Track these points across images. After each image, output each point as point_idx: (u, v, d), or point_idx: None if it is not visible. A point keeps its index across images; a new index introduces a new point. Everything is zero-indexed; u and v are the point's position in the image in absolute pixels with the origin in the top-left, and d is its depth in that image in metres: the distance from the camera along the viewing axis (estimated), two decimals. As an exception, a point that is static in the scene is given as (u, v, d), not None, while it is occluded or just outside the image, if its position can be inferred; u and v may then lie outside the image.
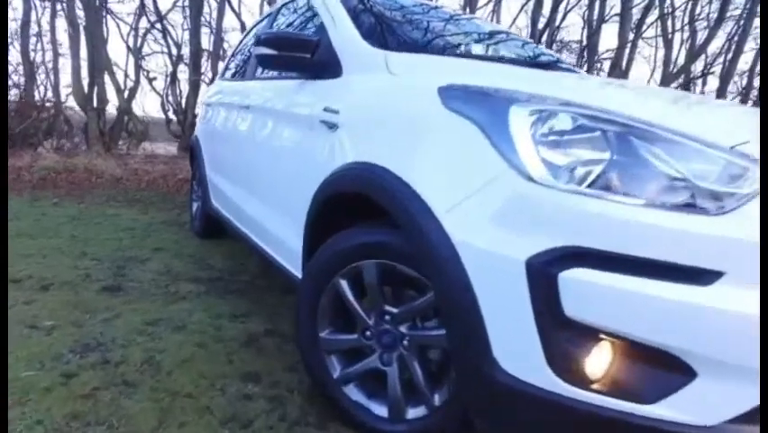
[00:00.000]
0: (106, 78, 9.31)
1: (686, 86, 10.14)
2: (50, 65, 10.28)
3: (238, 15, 9.51)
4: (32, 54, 9.92)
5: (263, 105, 2.19)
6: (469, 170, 1.03)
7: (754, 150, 0.92)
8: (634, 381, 0.90)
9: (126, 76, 10.66)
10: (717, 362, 0.86)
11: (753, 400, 0.86)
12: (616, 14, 10.68)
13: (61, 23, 9.46)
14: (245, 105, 2.41)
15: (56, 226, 3.63)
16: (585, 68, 10.45)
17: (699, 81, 11.71)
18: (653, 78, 11.89)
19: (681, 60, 10.79)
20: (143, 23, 10.40)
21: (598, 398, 0.90)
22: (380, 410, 1.34)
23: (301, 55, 1.69)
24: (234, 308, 2.27)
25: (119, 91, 9.61)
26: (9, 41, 9.75)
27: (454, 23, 2.22)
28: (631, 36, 10.00)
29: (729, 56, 9.94)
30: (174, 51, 10.05)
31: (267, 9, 10.40)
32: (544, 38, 9.80)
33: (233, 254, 3.18)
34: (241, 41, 3.43)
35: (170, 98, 10.51)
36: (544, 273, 0.89)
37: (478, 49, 2.18)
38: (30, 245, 3.06)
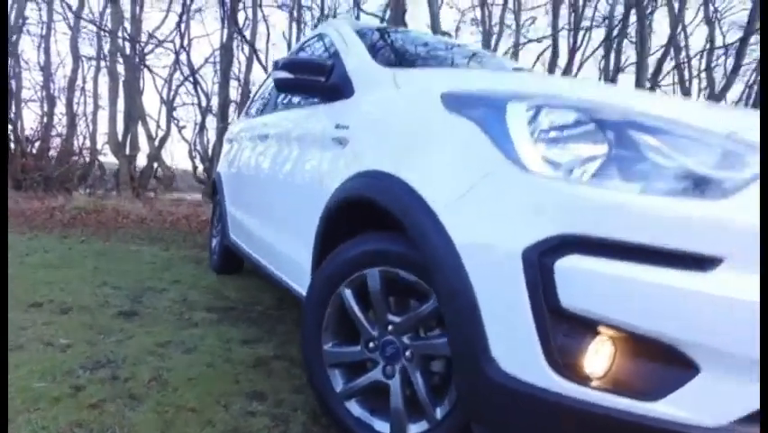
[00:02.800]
0: (140, 127, 9.83)
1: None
2: (89, 116, 10.91)
3: (265, 68, 10.04)
4: (75, 106, 10.61)
5: (280, 133, 2.29)
6: (468, 167, 1.06)
7: (752, 136, 0.92)
8: (634, 376, 0.87)
9: (158, 125, 11.23)
10: (720, 354, 0.83)
11: (756, 398, 0.82)
12: (632, 63, 10.92)
13: (103, 78, 10.13)
14: (264, 135, 2.52)
15: (81, 259, 3.74)
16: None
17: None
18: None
19: (701, 107, 10.80)
20: (177, 76, 11.07)
21: (598, 395, 0.87)
22: (382, 426, 1.30)
23: (316, 78, 1.78)
24: (246, 335, 2.28)
25: (150, 139, 10.10)
26: (56, 94, 10.45)
27: (456, 49, 2.33)
28: (648, 84, 10.13)
29: (750, 102, 9.94)
30: (203, 102, 10.60)
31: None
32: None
33: (248, 287, 3.21)
34: (263, 83, 3.63)
35: (198, 146, 10.99)
36: (539, 263, 0.89)
37: (476, 65, 2.28)
38: (54, 274, 3.16)
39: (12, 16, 10.18)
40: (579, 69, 10.12)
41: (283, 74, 1.78)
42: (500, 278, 0.94)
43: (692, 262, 0.84)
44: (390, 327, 1.30)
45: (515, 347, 0.94)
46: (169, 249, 4.59)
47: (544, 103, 1.02)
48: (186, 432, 1.37)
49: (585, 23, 10.07)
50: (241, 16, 10.08)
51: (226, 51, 9.86)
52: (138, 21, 9.93)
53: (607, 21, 10.26)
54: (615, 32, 10.44)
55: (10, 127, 8.97)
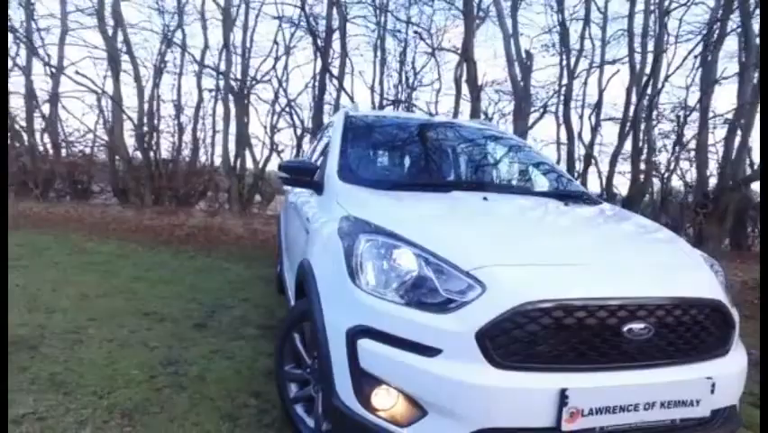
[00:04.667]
0: (246, 150, 11.51)
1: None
2: (208, 140, 12.97)
3: (351, 98, 11.19)
4: (198, 133, 12.74)
5: (296, 201, 3.15)
6: (338, 275, 1.76)
7: (482, 274, 1.52)
8: (396, 412, 1.52)
9: (264, 146, 12.92)
10: (437, 406, 1.46)
11: (459, 431, 1.43)
12: (735, 74, 10.11)
13: (220, 109, 12.05)
14: (293, 201, 3.39)
15: (184, 276, 4.99)
16: (697, 129, 9.98)
17: None
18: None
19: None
20: (279, 102, 12.66)
21: (379, 421, 1.53)
22: (311, 423, 2.05)
23: (304, 178, 2.59)
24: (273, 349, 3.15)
25: (255, 161, 11.77)
26: (183, 124, 12.62)
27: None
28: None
29: None
30: (299, 127, 12.03)
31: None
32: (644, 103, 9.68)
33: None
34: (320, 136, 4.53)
35: (295, 166, 12.44)
36: (351, 339, 1.59)
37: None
38: (163, 289, 4.38)
39: (154, 60, 12.54)
40: (662, 86, 9.67)
41: (283, 174, 2.61)
42: (339, 345, 1.64)
43: (425, 350, 1.48)
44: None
45: (344, 387, 1.63)
46: (251, 267, 5.72)
47: (377, 239, 1.70)
48: (201, 410, 2.25)
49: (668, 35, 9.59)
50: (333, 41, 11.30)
51: (319, 84, 11.16)
52: (247, 59, 11.64)
53: (700, 32, 9.67)
54: (713, 37, 9.81)
55: (151, 154, 11.15)
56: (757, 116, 8.80)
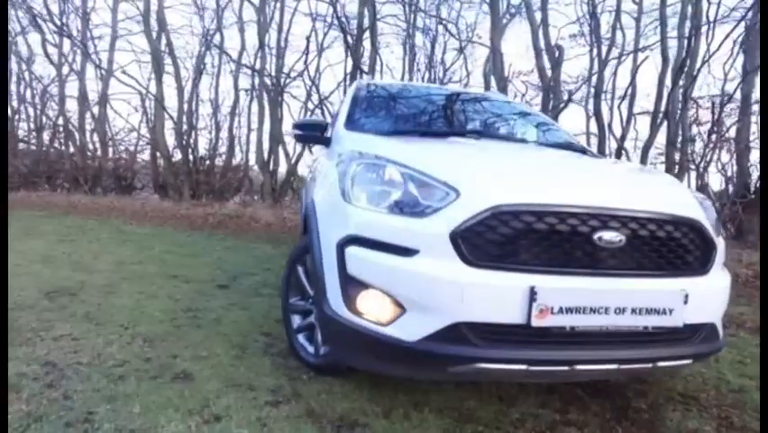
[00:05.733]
0: (280, 147, 11.89)
1: None
2: (244, 138, 13.47)
3: (380, 93, 11.39)
4: (234, 131, 13.25)
5: (312, 164, 3.33)
6: (332, 197, 1.90)
7: (458, 182, 1.62)
8: (379, 313, 1.64)
9: (296, 142, 13.29)
10: (414, 302, 1.57)
11: (433, 326, 1.54)
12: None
13: (255, 106, 12.51)
14: (310, 166, 3.58)
15: (212, 251, 5.27)
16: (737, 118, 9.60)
17: None
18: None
19: None
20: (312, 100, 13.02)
21: (363, 323, 1.66)
22: (311, 349, 2.19)
23: (315, 134, 2.76)
24: (288, 304, 3.32)
25: (288, 157, 12.13)
26: (220, 122, 13.16)
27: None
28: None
29: None
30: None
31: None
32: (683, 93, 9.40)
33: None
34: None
35: (326, 162, 12.76)
36: (341, 249, 1.72)
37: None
38: (190, 261, 4.65)
39: (193, 62, 13.18)
40: (697, 73, 9.33)
41: (297, 131, 2.79)
42: (330, 255, 1.78)
43: (403, 252, 1.60)
44: (318, 290, 2.19)
45: (334, 295, 1.76)
46: (277, 247, 5.95)
47: (366, 161, 1.83)
48: (214, 342, 2.43)
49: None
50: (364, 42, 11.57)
51: (350, 81, 11.41)
52: (281, 59, 12.06)
53: (740, 15, 9.32)
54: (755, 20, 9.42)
55: (189, 151, 11.69)
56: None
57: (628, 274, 1.62)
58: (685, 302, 1.61)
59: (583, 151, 2.75)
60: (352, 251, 1.69)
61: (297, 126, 2.78)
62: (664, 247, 1.65)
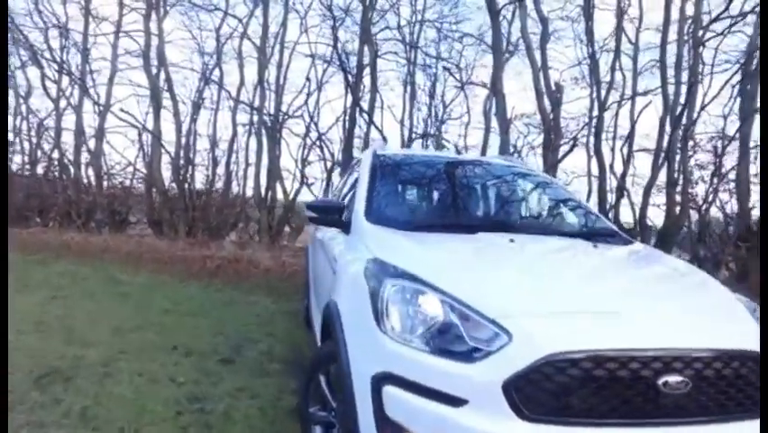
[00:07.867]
0: (277, 183, 11.78)
1: None
2: (241, 173, 13.36)
3: (380, 131, 11.38)
4: (231, 166, 13.14)
5: (323, 237, 3.18)
6: (363, 317, 1.76)
7: (509, 322, 1.49)
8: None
9: (294, 178, 13.18)
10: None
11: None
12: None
13: (253, 142, 12.44)
14: (320, 237, 3.43)
15: (211, 310, 5.07)
16: (737, 160, 9.66)
17: None
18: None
19: None
20: (310, 136, 12.97)
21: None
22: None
23: (332, 217, 2.62)
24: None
25: (285, 193, 12.01)
26: (218, 158, 13.06)
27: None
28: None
29: None
30: (329, 161, 12.26)
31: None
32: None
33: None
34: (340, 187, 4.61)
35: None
36: (377, 386, 1.56)
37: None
38: (190, 322, 4.45)
39: (193, 96, 13.16)
40: (698, 116, 9.42)
41: (311, 213, 2.65)
42: (362, 391, 1.62)
43: (450, 400, 1.44)
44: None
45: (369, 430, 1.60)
46: (278, 302, 5.76)
47: (402, 284, 1.69)
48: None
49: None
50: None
51: (349, 118, 11.41)
52: (280, 95, 12.05)
53: (737, 61, 9.48)
54: (752, 66, 9.58)
55: (186, 186, 11.55)
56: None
57: (693, 421, 1.47)
58: (758, 452, 1.47)
59: (612, 234, 2.65)
60: (391, 392, 1.54)
61: (311, 208, 2.64)
62: (731, 387, 1.52)
